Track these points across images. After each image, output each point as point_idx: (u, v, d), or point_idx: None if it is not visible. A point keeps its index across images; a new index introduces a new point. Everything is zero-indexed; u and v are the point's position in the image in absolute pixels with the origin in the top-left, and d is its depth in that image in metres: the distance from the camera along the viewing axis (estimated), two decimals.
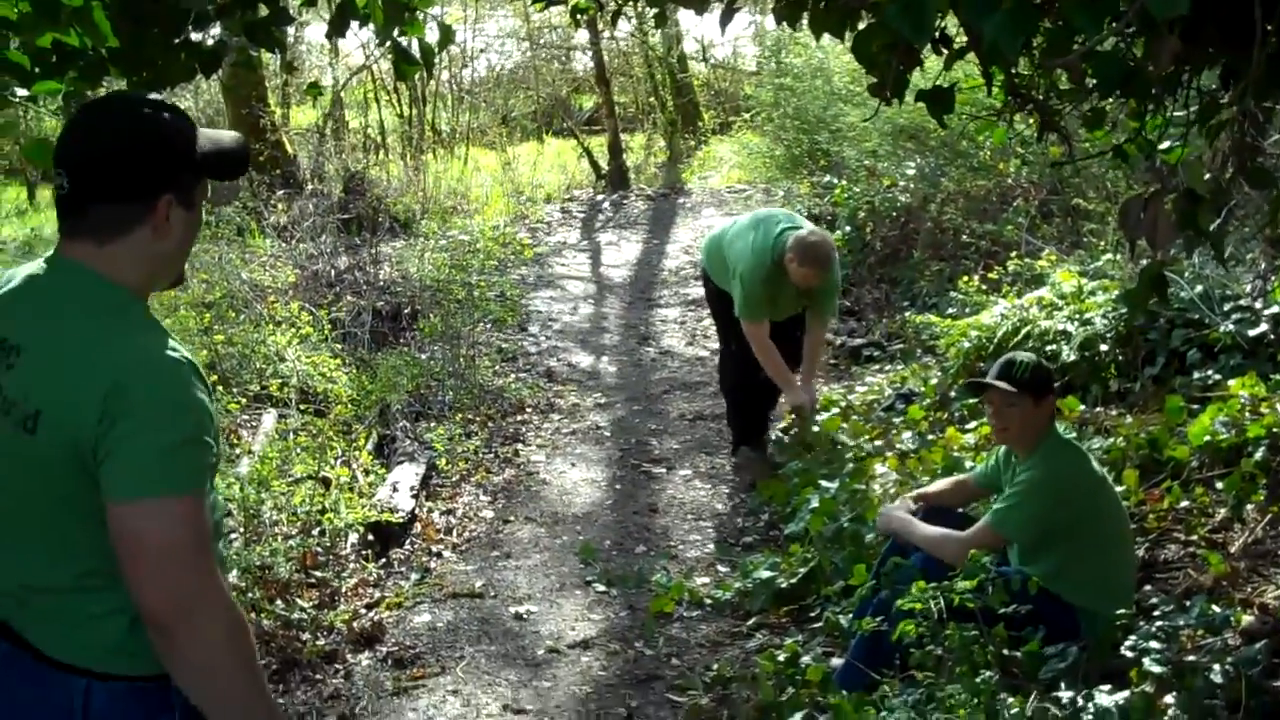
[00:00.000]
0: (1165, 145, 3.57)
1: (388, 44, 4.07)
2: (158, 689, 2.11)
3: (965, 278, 8.69)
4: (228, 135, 2.29)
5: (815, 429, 6.70)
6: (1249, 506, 4.84)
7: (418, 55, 4.07)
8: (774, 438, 7.22)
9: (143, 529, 1.98)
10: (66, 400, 2.01)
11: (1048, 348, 6.76)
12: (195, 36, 3.82)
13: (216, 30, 3.97)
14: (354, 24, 4.07)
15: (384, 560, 5.94)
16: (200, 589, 2.02)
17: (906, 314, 9.17)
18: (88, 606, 2.09)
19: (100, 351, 2.04)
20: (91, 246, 2.11)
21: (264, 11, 3.92)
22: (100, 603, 2.09)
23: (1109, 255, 7.90)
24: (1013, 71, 3.67)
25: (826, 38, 3.53)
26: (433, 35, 4.14)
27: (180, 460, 2.01)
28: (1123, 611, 4.03)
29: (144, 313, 2.16)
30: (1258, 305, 6.21)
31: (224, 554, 2.32)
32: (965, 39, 3.37)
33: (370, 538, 6.00)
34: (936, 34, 3.35)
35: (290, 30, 4.40)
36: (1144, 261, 4.00)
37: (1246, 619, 3.95)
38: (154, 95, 2.26)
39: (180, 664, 2.05)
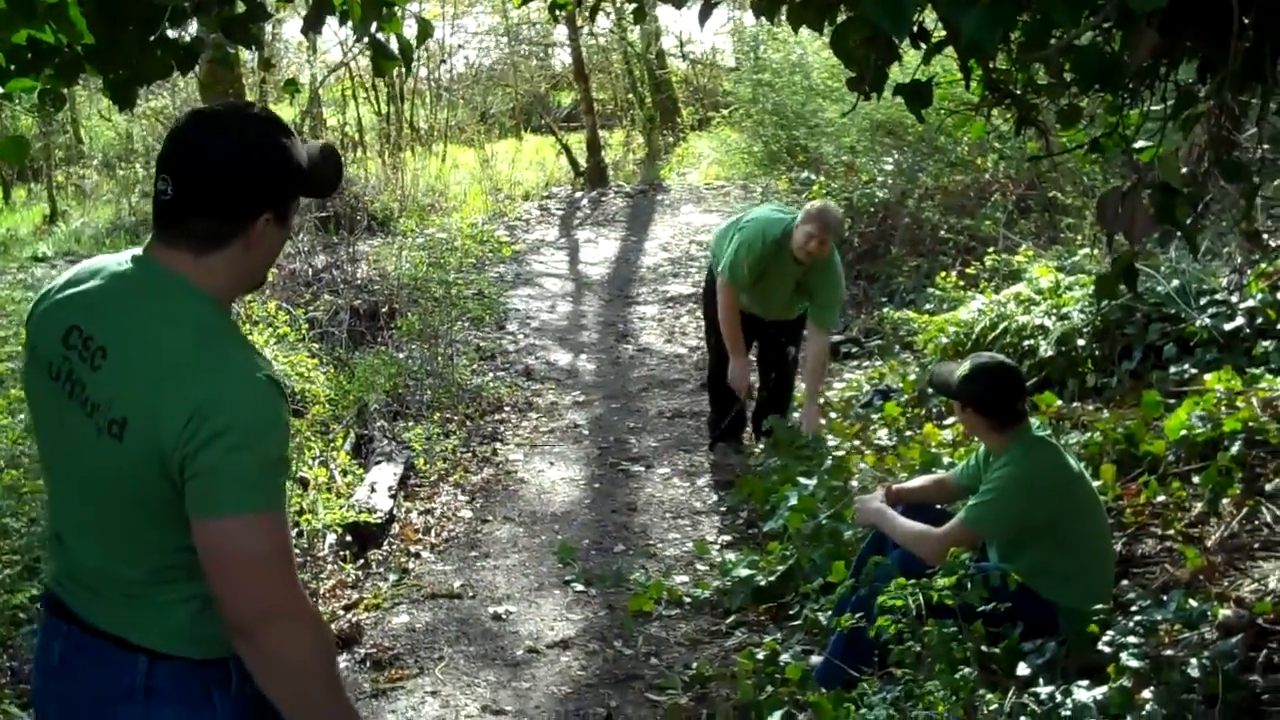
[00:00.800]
0: (1141, 144, 3.57)
1: (365, 40, 4.04)
2: (215, 668, 2.20)
3: (943, 273, 8.71)
4: (318, 149, 2.30)
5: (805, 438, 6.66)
6: (1225, 500, 4.85)
7: (396, 51, 4.04)
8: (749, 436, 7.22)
9: (231, 545, 2.06)
10: (155, 412, 2.05)
11: (1025, 343, 6.78)
12: (171, 33, 3.79)
13: (193, 27, 3.94)
14: (331, 20, 4.04)
15: (362, 561, 5.91)
16: (285, 600, 2.11)
17: (884, 310, 9.20)
18: (156, 596, 2.17)
19: (191, 366, 2.08)
20: (186, 256, 2.16)
21: (240, 8, 3.89)
22: (169, 592, 2.17)
23: (1086, 250, 7.93)
24: (991, 66, 3.67)
25: (805, 32, 3.52)
26: (411, 31, 4.12)
27: (266, 479, 2.08)
28: (1101, 606, 4.02)
29: (233, 326, 2.22)
30: (1233, 299, 6.24)
31: None
32: (944, 33, 3.37)
33: (348, 538, 5.97)
34: (915, 28, 3.34)
35: (267, 27, 4.38)
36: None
37: (1223, 613, 3.95)
38: (263, 110, 2.26)
39: (264, 669, 2.14)
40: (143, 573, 2.17)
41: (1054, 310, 6.89)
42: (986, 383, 4.28)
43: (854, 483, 5.73)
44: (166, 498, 2.08)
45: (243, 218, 2.16)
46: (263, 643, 2.10)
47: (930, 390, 6.77)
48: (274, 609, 2.10)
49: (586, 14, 4.72)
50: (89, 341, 2.14)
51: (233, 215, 2.16)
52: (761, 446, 6.97)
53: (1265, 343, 5.89)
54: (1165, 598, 3.94)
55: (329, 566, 5.72)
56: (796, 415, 7.06)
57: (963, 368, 4.38)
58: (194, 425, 2.03)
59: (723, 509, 6.52)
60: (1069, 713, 3.33)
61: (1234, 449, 4.99)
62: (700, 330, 8.70)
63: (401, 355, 8.64)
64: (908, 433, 6.38)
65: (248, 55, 14.22)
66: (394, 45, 4.04)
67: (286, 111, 17.17)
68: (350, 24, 3.95)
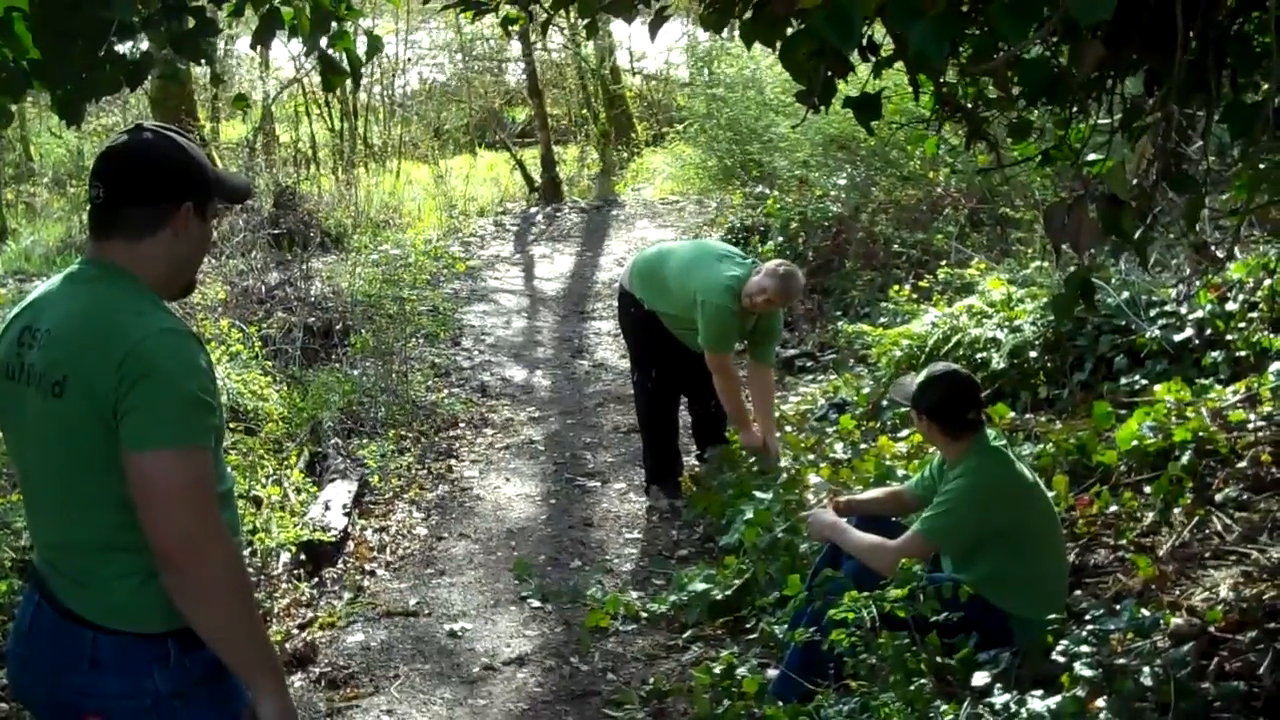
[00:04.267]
0: (1092, 156, 3.60)
1: (315, 55, 4.03)
2: (155, 642, 2.41)
3: (896, 287, 8.75)
4: (239, 175, 2.68)
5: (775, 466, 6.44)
6: (1176, 510, 4.89)
7: (345, 66, 4.03)
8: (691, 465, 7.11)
9: (156, 475, 2.30)
10: (88, 364, 2.33)
11: (978, 355, 6.82)
12: (120, 48, 3.77)
13: (143, 43, 3.92)
14: (282, 35, 4.02)
15: (316, 580, 5.86)
16: (205, 529, 2.34)
17: (839, 324, 9.23)
18: (102, 569, 2.40)
19: (119, 324, 2.35)
20: (121, 244, 2.46)
21: (191, 23, 3.87)
22: (114, 565, 2.39)
23: (1037, 263, 7.99)
24: (940, 80, 3.69)
25: (758, 47, 3.53)
26: (362, 46, 4.11)
27: (187, 417, 2.33)
28: (1054, 617, 4.05)
29: (157, 299, 2.48)
30: (1183, 310, 6.30)
31: (236, 521, 2.57)
32: (893, 48, 3.39)
33: (302, 557, 5.92)
34: (864, 41, 3.36)
35: (218, 42, 4.35)
36: (1071, 268, 4.03)
37: (1175, 621, 3.98)
38: (175, 130, 2.60)
39: (187, 595, 2.35)
40: (94, 533, 2.39)
41: (1006, 323, 6.94)
42: (940, 391, 4.32)
43: (810, 496, 5.74)
44: (107, 447, 2.32)
45: (166, 200, 2.46)
46: (185, 568, 2.32)
47: (888, 402, 6.81)
48: (195, 537, 2.32)
49: (539, 29, 4.71)
50: (35, 332, 2.44)
51: (158, 198, 2.46)
52: (707, 467, 6.86)
53: (1214, 353, 5.95)
54: (1118, 607, 3.96)
55: (283, 585, 5.68)
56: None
57: (921, 378, 4.42)
58: (121, 370, 2.29)
59: (679, 524, 6.51)
60: None
61: (1184, 459, 5.04)
62: None
63: (356, 372, 8.59)
64: (862, 445, 6.39)
65: (199, 71, 14.17)
66: (344, 62, 4.03)
67: (239, 128, 17.09)
68: (300, 38, 3.94)
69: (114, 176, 2.46)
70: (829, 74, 3.19)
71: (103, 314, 2.39)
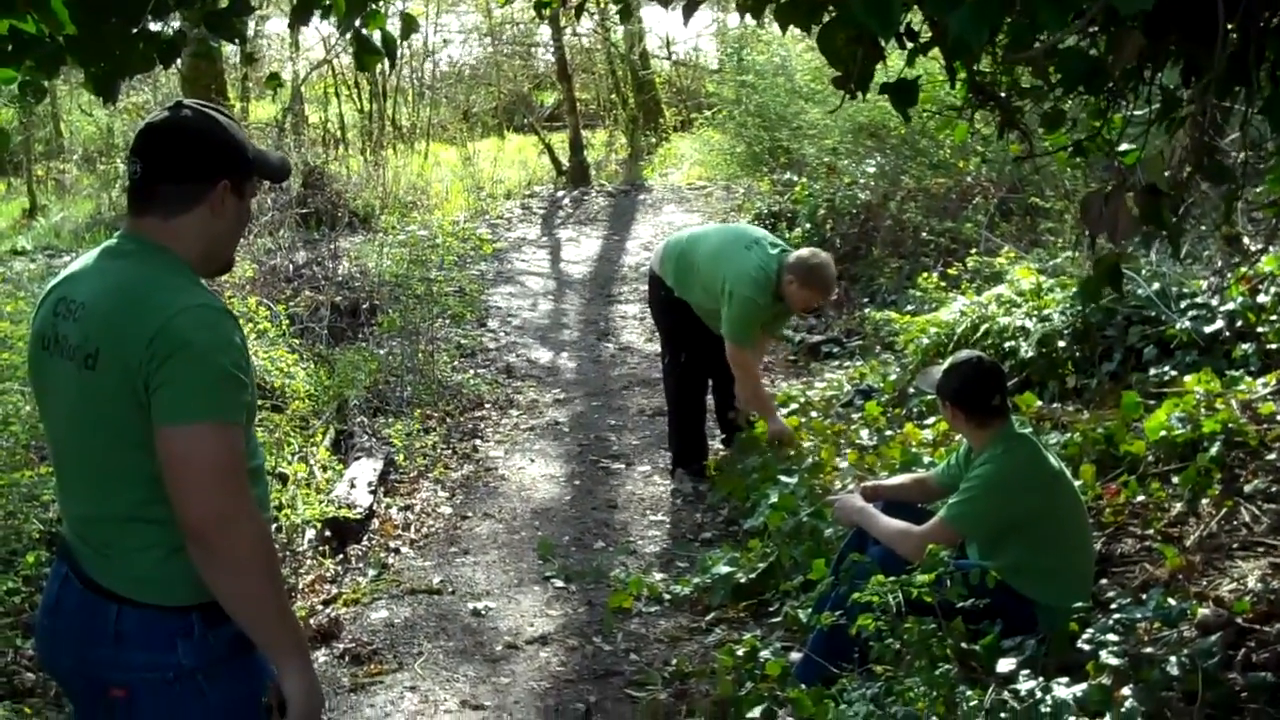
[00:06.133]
0: (1125, 147, 3.59)
1: (349, 35, 4.03)
2: (179, 616, 2.41)
3: (924, 275, 8.72)
4: (277, 153, 2.71)
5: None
6: (1204, 501, 4.88)
7: (379, 46, 4.03)
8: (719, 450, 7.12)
9: (187, 450, 2.30)
10: (122, 338, 2.33)
11: (1006, 344, 6.80)
12: (154, 26, 3.77)
13: (176, 20, 3.93)
14: (315, 15, 4.03)
15: (341, 556, 5.90)
16: (235, 504, 2.34)
17: (866, 310, 9.21)
18: (129, 540, 2.41)
19: (153, 299, 2.36)
20: (158, 221, 2.46)
21: (224, 2, 3.87)
22: (140, 537, 2.40)
23: (1067, 253, 7.96)
24: (975, 68, 3.68)
25: (789, 34, 3.53)
26: (395, 26, 4.11)
27: (219, 392, 2.34)
28: (1080, 605, 4.05)
29: (192, 275, 2.48)
30: (1213, 303, 6.27)
31: (266, 497, 2.59)
32: (930, 34, 3.38)
33: (327, 534, 5.96)
34: (902, 28, 3.35)
35: (251, 22, 4.36)
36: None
37: (1202, 612, 3.97)
38: (216, 107, 2.62)
39: (215, 569, 2.35)
40: (123, 506, 2.40)
41: (1035, 312, 6.91)
42: (963, 377, 4.32)
43: (836, 483, 5.74)
44: (138, 421, 2.33)
45: (204, 179, 2.46)
46: (215, 544, 2.32)
47: (915, 390, 6.80)
48: (225, 512, 2.32)
49: (571, 13, 4.73)
50: (70, 304, 2.45)
51: (196, 176, 2.46)
52: (732, 451, 6.87)
53: (1244, 346, 5.92)
54: (1144, 596, 3.96)
55: (308, 562, 5.71)
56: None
57: (947, 365, 4.43)
58: (154, 345, 2.30)
59: (703, 507, 6.52)
60: (1048, 709, 3.35)
61: (1213, 450, 5.02)
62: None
63: (382, 352, 8.62)
64: (888, 432, 6.39)
65: (230, 50, 14.20)
66: (378, 40, 4.03)
67: (268, 108, 17.13)
68: (334, 19, 3.94)
69: (152, 153, 2.47)
70: (865, 60, 3.19)
71: (137, 288, 2.40)
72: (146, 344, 2.30)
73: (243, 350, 2.41)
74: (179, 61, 4.12)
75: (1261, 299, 6.11)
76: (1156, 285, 6.53)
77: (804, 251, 6.49)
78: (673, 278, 6.67)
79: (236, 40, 4.08)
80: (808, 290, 6.26)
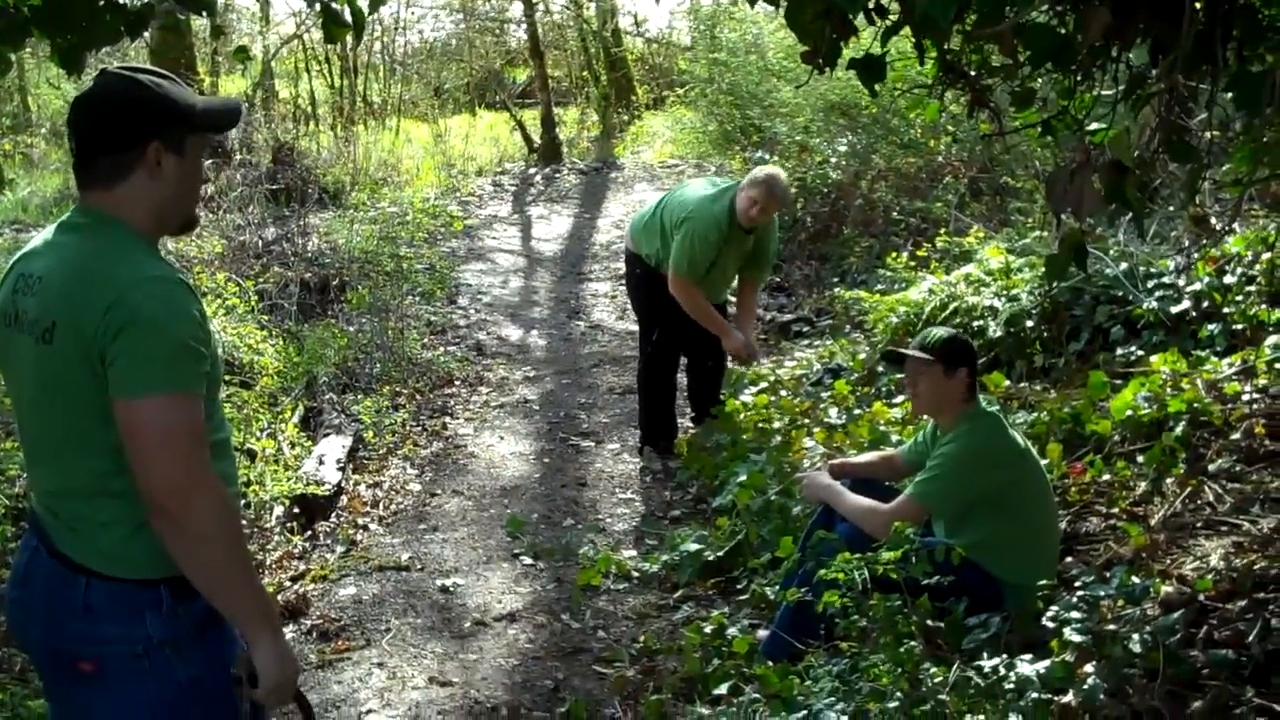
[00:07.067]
0: (1094, 126, 3.59)
1: (318, 7, 4.00)
2: (148, 589, 2.42)
3: (894, 254, 8.74)
4: (223, 98, 2.65)
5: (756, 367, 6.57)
6: (1169, 480, 4.91)
7: (348, 19, 3.99)
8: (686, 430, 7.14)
9: (145, 422, 2.30)
10: (75, 310, 2.33)
11: (974, 323, 6.82)
12: None
13: None
14: None
15: (309, 533, 5.88)
16: (196, 475, 2.33)
17: (836, 290, 9.23)
18: (96, 515, 2.41)
19: (107, 271, 2.35)
20: (101, 191, 2.45)
21: None
22: (106, 511, 2.40)
23: (1036, 233, 7.99)
24: (945, 46, 3.67)
25: (761, 12, 3.52)
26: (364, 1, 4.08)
27: (175, 363, 2.32)
28: (1045, 582, 4.07)
29: (146, 245, 2.47)
30: (1180, 283, 6.30)
31: (232, 471, 2.59)
32: (899, 11, 3.37)
33: (296, 510, 5.94)
34: (870, 3, 3.34)
35: None
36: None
37: (1165, 589, 4.00)
38: (145, 67, 2.56)
39: (178, 541, 2.35)
40: (89, 478, 2.40)
41: (1003, 292, 6.94)
42: (953, 337, 4.34)
43: (804, 462, 5.75)
44: (97, 393, 2.33)
45: (131, 145, 2.42)
46: (176, 515, 2.32)
47: (883, 369, 6.82)
48: (185, 484, 2.32)
49: None
50: (29, 279, 2.44)
51: (122, 144, 2.42)
52: (701, 430, 6.91)
53: (1210, 326, 5.96)
54: (1108, 574, 3.97)
55: (276, 538, 5.70)
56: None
57: (935, 333, 4.40)
58: (109, 316, 2.29)
59: (672, 484, 6.53)
60: (1012, 686, 3.36)
61: (1178, 429, 5.06)
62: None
63: (351, 328, 8.59)
64: (857, 411, 6.40)
65: (200, 23, 14.07)
66: (347, 14, 4.00)
67: (239, 83, 17.01)
68: None
69: (81, 125, 2.46)
70: (834, 36, 3.18)
71: (90, 261, 2.39)
72: (101, 316, 2.29)
73: (200, 322, 2.39)
74: (147, 34, 4.08)
75: (1228, 279, 6.14)
76: (1124, 265, 6.56)
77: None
78: (645, 246, 6.73)
79: (205, 13, 4.04)
80: (751, 189, 6.32)
